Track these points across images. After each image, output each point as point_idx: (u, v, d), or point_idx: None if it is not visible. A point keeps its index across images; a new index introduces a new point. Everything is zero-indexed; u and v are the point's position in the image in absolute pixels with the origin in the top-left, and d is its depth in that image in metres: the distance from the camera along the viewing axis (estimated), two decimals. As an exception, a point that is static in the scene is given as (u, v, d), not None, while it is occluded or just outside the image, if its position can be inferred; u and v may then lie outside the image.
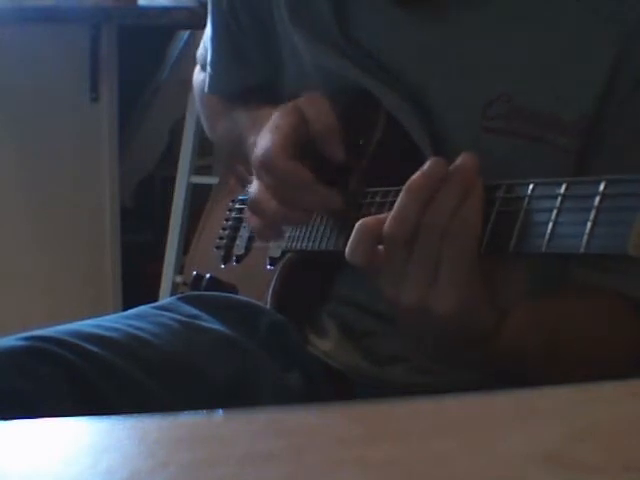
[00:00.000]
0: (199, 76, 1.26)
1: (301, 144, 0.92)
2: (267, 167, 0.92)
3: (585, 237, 0.63)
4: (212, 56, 1.15)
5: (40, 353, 0.85)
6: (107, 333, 0.92)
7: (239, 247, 1.16)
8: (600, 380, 0.46)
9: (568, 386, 0.46)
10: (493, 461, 0.38)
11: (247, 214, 1.00)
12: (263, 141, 0.94)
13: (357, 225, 0.78)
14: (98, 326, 0.93)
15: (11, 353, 0.85)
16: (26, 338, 0.87)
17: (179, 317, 0.99)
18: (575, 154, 0.92)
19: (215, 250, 1.19)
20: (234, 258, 1.16)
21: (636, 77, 0.89)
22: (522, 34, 0.92)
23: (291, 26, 1.01)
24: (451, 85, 0.94)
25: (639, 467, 0.37)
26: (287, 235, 1.02)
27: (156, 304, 1.04)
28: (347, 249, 0.79)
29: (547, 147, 0.91)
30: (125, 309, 1.05)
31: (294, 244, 1.01)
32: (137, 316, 0.99)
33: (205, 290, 1.14)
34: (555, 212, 0.66)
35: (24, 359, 0.85)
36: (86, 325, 0.93)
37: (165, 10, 2.52)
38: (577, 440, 0.40)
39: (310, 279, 1.06)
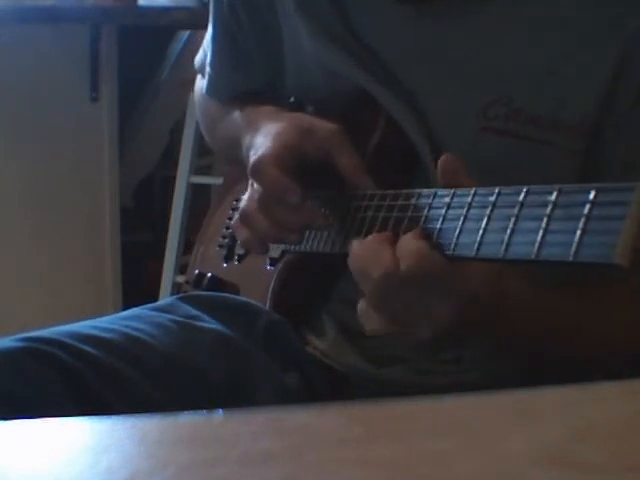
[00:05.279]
0: (199, 83, 1.25)
1: (299, 160, 0.90)
2: (256, 172, 0.90)
3: (574, 245, 0.62)
4: (212, 57, 1.14)
5: (37, 354, 0.85)
6: (104, 334, 0.92)
7: (240, 246, 1.16)
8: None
9: (568, 386, 0.46)
10: (493, 461, 0.38)
11: (236, 223, 0.98)
12: (259, 143, 0.93)
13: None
14: (95, 327, 0.93)
15: (7, 354, 0.85)
16: (23, 339, 0.86)
17: (177, 318, 0.99)
18: (578, 155, 0.92)
19: (218, 249, 1.19)
20: (236, 257, 1.16)
21: (638, 80, 0.89)
22: (523, 36, 0.92)
23: (297, 19, 1.01)
24: (450, 86, 0.94)
25: (639, 467, 0.37)
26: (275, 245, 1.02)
27: (154, 305, 1.04)
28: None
29: (548, 148, 0.91)
30: (125, 309, 1.05)
31: (294, 245, 1.01)
32: (134, 317, 0.99)
33: (206, 289, 1.14)
34: (545, 220, 0.66)
35: (21, 360, 0.84)
36: (83, 326, 0.93)
37: (165, 10, 2.52)
38: (577, 440, 0.40)
39: (309, 279, 1.06)
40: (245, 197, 0.95)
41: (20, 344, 0.86)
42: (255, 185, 0.92)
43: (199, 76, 1.26)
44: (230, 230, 1.19)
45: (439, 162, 0.79)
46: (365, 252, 0.79)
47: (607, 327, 0.91)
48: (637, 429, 0.41)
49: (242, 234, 0.97)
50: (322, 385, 1.02)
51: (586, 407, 0.44)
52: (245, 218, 0.94)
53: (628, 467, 0.37)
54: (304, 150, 0.90)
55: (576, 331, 0.89)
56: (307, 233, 0.98)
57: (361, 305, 0.81)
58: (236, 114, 1.09)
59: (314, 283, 1.06)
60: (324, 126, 0.91)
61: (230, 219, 1.20)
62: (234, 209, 1.21)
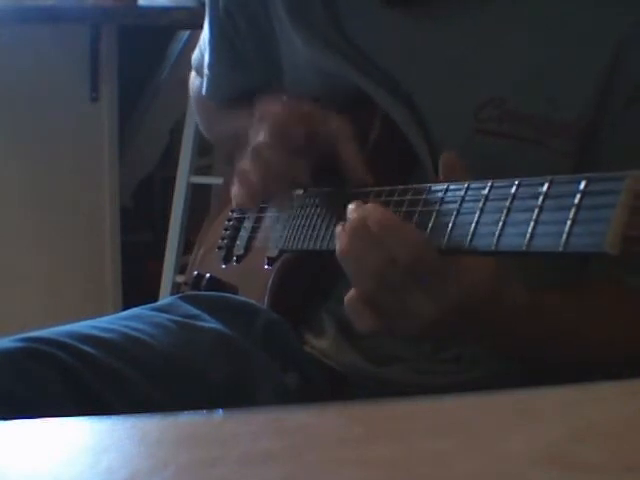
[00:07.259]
0: (195, 81, 1.25)
1: (308, 128, 0.91)
2: (265, 112, 0.93)
3: (564, 236, 0.62)
4: (210, 60, 1.14)
5: (37, 354, 0.85)
6: (103, 334, 0.92)
7: (239, 247, 1.16)
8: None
9: (568, 386, 0.46)
10: (493, 461, 0.38)
11: (234, 184, 0.97)
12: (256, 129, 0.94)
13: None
14: (94, 327, 0.93)
15: (7, 354, 0.85)
16: (22, 339, 0.86)
17: (176, 318, 0.99)
18: (573, 156, 0.92)
19: (217, 250, 1.19)
20: (234, 258, 1.16)
21: (634, 82, 0.89)
22: (523, 36, 0.92)
23: (290, 26, 1.01)
24: (448, 86, 0.94)
25: (639, 467, 0.37)
26: (284, 235, 1.02)
27: (153, 305, 1.04)
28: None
29: (542, 149, 0.91)
30: (125, 309, 1.05)
31: (291, 244, 1.01)
32: (134, 317, 0.99)
33: (205, 290, 1.14)
34: (537, 211, 0.66)
35: (21, 360, 0.85)
36: (82, 326, 0.93)
37: (165, 10, 2.52)
38: (577, 440, 0.40)
39: (308, 278, 1.06)
40: (242, 161, 0.94)
41: (20, 344, 0.86)
42: (263, 127, 0.92)
43: (193, 73, 1.26)
44: (229, 231, 1.19)
45: (441, 159, 0.79)
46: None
47: (606, 328, 0.91)
48: (637, 429, 0.41)
49: (236, 190, 0.94)
50: (322, 385, 1.02)
51: (586, 407, 0.44)
52: (242, 176, 0.93)
53: (628, 467, 0.37)
54: (315, 124, 0.92)
55: (576, 333, 0.89)
56: (305, 231, 0.98)
57: (350, 298, 0.80)
58: (235, 115, 1.10)
59: (312, 282, 1.05)
60: (336, 117, 0.92)
61: (229, 220, 1.20)
62: (232, 210, 1.21)
